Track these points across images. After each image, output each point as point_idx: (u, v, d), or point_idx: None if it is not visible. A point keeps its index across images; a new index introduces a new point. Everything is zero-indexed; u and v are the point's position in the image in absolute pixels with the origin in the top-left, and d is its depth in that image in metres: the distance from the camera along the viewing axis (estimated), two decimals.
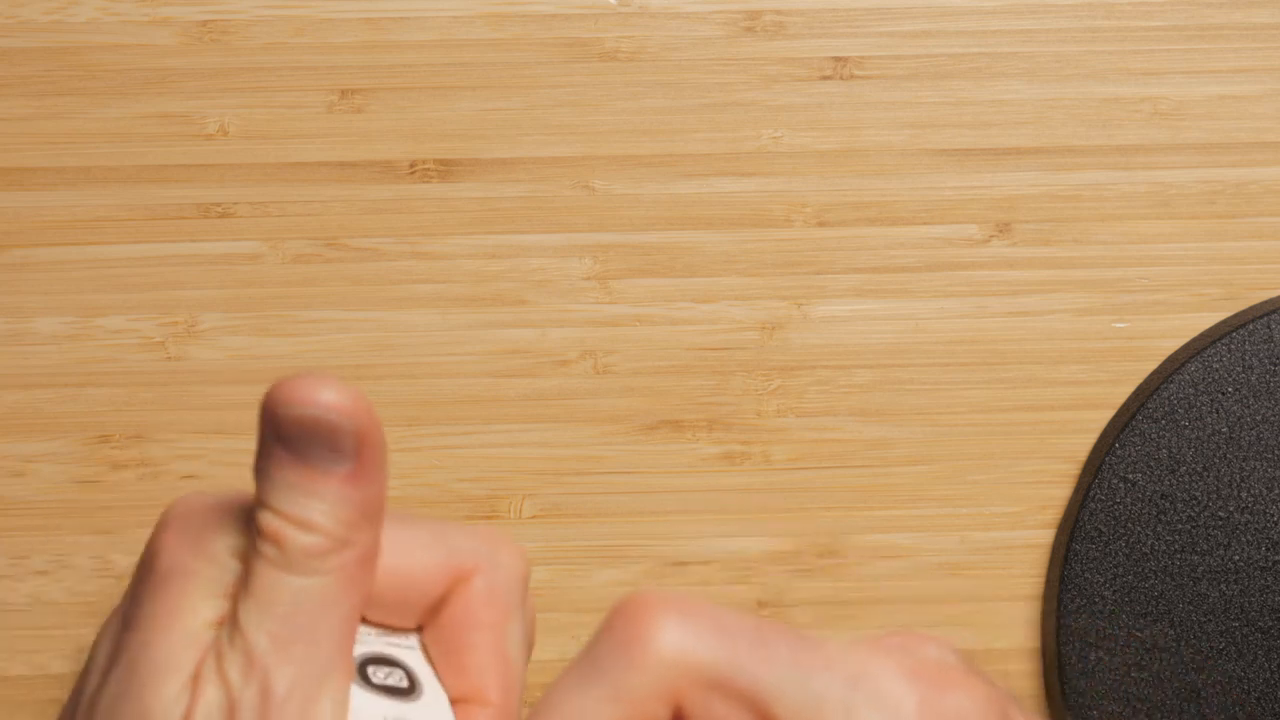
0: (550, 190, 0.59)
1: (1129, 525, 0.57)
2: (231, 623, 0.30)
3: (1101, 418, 0.59)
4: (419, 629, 0.35)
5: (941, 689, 0.30)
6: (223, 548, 0.31)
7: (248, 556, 0.31)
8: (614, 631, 0.30)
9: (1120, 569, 0.57)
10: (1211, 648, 0.57)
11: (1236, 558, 0.57)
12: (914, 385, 0.59)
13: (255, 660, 0.30)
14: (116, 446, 0.59)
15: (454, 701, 0.34)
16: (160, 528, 0.33)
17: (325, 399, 0.31)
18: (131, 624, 0.31)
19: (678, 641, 0.30)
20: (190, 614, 0.30)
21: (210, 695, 0.29)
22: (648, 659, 0.30)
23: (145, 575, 0.32)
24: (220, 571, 0.31)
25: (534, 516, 0.59)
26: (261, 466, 0.31)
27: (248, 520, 0.32)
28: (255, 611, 0.30)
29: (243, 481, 0.59)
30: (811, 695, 0.30)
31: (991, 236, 0.59)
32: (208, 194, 0.59)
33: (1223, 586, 0.57)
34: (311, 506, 0.31)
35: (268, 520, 0.31)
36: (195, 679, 0.30)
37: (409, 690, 0.32)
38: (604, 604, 0.59)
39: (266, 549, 0.31)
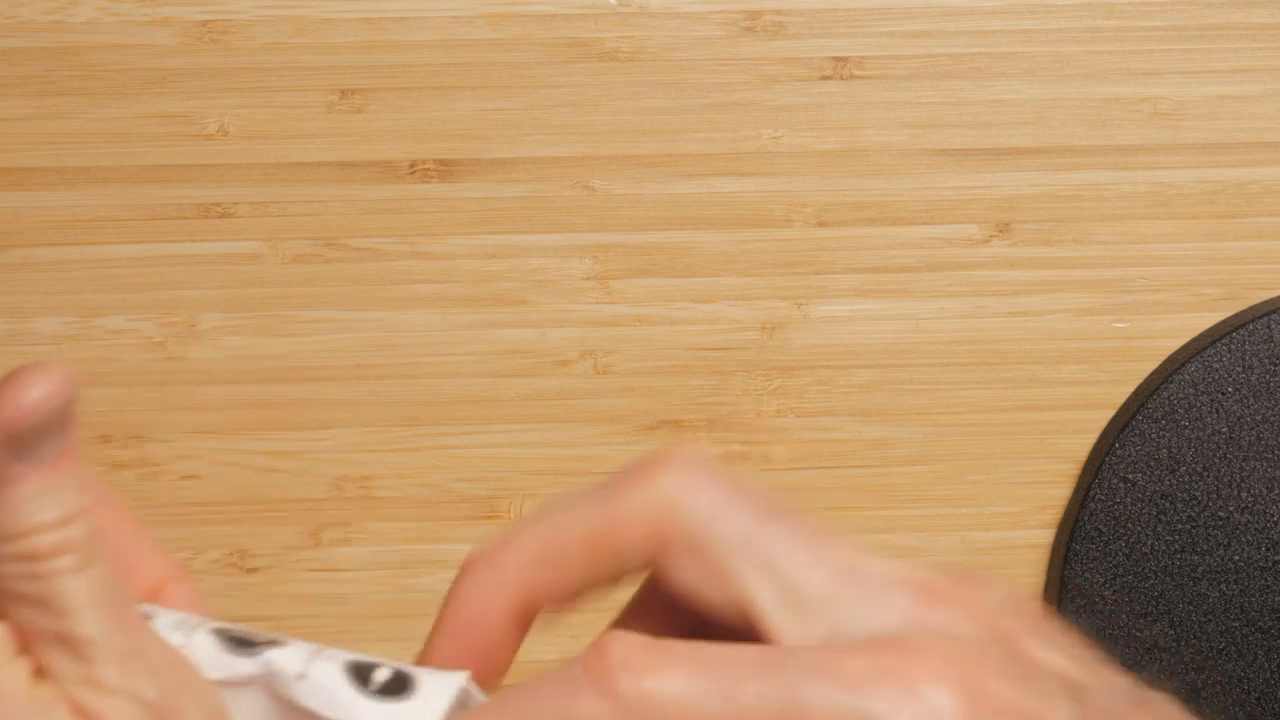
0: (550, 190, 0.59)
1: (1129, 525, 0.57)
2: (57, 665, 0.29)
3: (1101, 418, 0.59)
4: None
5: (935, 603, 0.29)
6: None
7: (4, 601, 0.29)
8: (633, 463, 0.31)
9: (1120, 569, 0.57)
10: (1211, 648, 0.57)
11: (1236, 558, 0.57)
12: (914, 385, 0.59)
13: (117, 686, 0.29)
14: (116, 446, 0.59)
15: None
16: None
17: (40, 393, 0.28)
18: None
19: (680, 489, 0.30)
20: (9, 696, 0.29)
21: None
22: (646, 490, 0.30)
23: None
24: None
25: None
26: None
27: None
28: (84, 635, 0.29)
29: (242, 480, 0.59)
30: (793, 590, 0.29)
31: (991, 236, 0.59)
32: (208, 194, 0.59)
33: (1223, 586, 0.57)
34: (66, 498, 0.29)
35: (41, 541, 0.28)
36: None
37: (403, 688, 0.32)
38: (604, 604, 0.59)
39: (60, 564, 0.29)
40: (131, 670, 0.29)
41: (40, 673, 0.29)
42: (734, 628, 0.30)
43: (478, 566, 0.34)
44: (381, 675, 0.31)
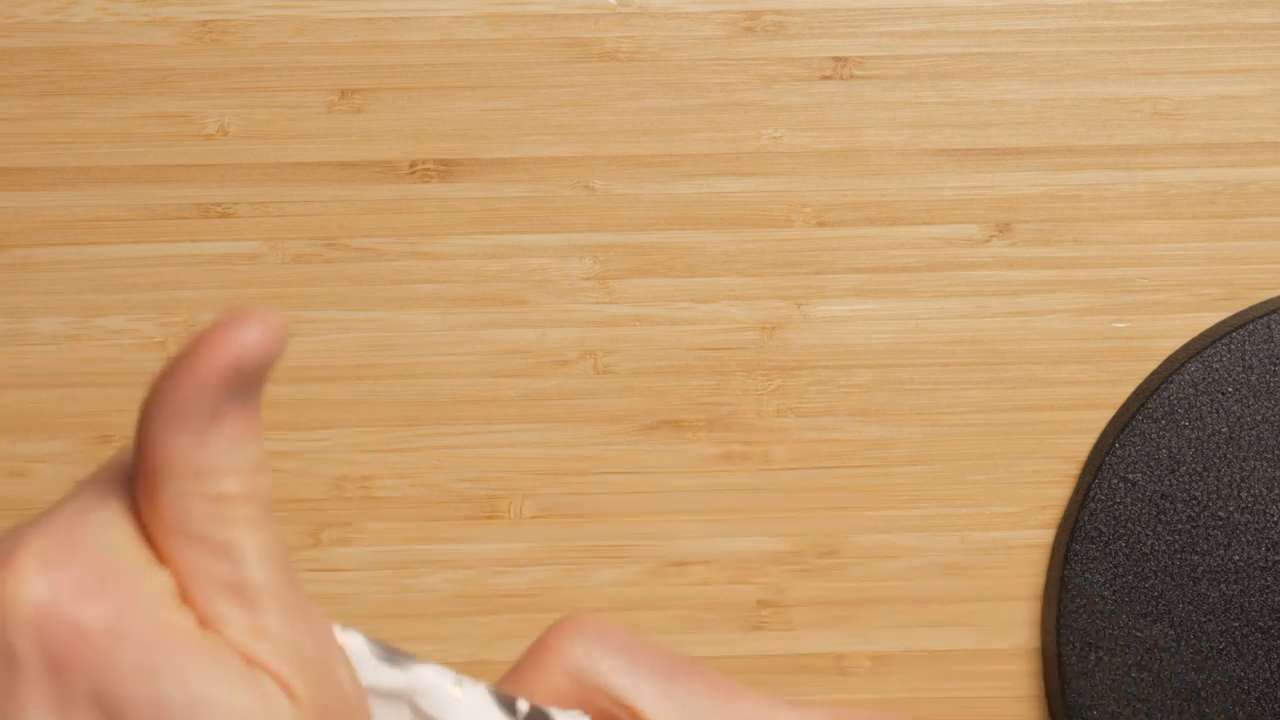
0: (550, 190, 0.59)
1: (1129, 525, 0.57)
2: (224, 613, 0.29)
3: (1101, 418, 0.59)
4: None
5: None
6: (143, 563, 0.29)
7: (178, 544, 0.29)
8: (537, 641, 0.32)
9: (1120, 569, 0.57)
10: (1211, 648, 0.57)
11: (1236, 558, 0.57)
12: (914, 385, 0.59)
13: (282, 637, 0.29)
14: (117, 446, 0.59)
15: None
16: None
17: (260, 334, 0.29)
18: (164, 701, 0.29)
19: (585, 656, 0.31)
20: (183, 640, 0.29)
21: (274, 694, 0.28)
22: (551, 663, 0.31)
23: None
24: (161, 587, 0.29)
25: (534, 516, 0.59)
26: (199, 431, 0.29)
27: (130, 517, 0.30)
28: (256, 582, 0.29)
29: None
30: None
31: (991, 236, 0.59)
32: (208, 194, 0.59)
33: (1223, 586, 0.57)
34: (258, 446, 0.29)
35: (231, 484, 0.29)
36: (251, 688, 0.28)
37: None
38: (604, 604, 0.59)
39: (245, 511, 0.29)
40: (294, 624, 0.29)
41: (203, 622, 0.29)
42: None
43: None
44: (523, 707, 0.32)
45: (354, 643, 0.30)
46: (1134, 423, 0.57)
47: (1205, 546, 0.57)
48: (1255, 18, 0.59)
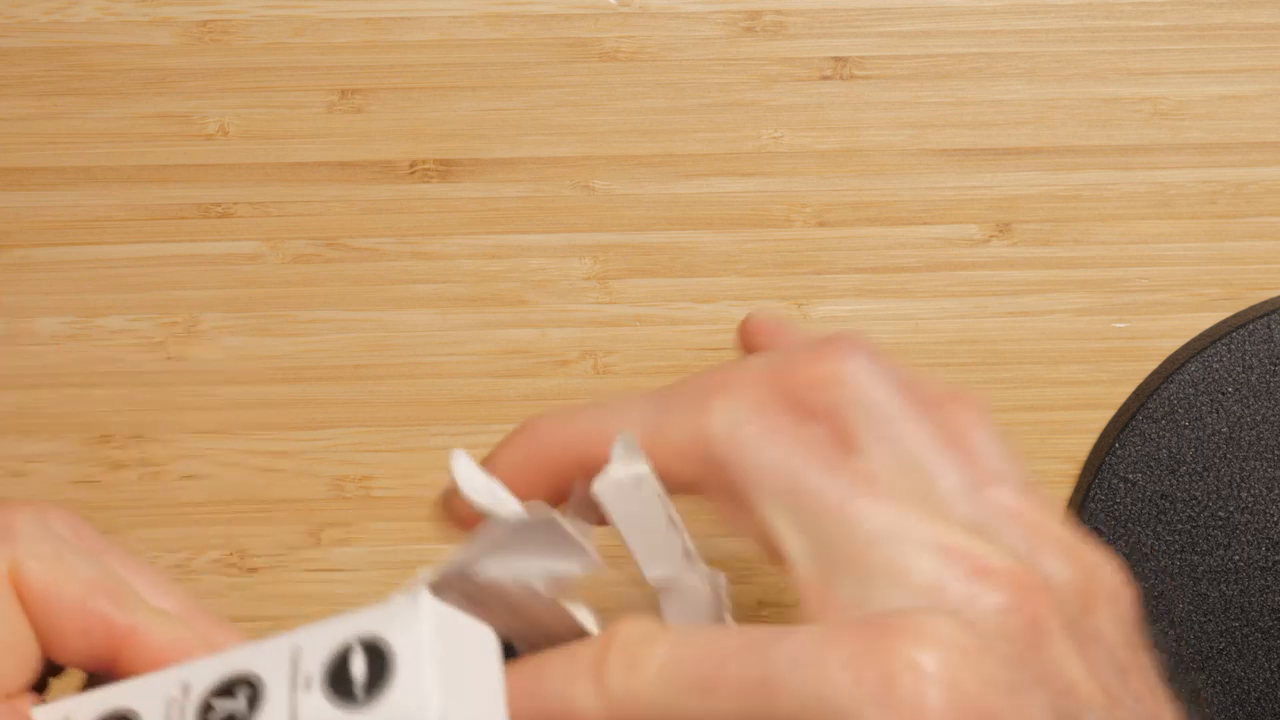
0: (550, 190, 0.59)
1: (1129, 525, 0.57)
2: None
3: (1101, 418, 0.59)
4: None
5: (969, 576, 0.28)
6: None
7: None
8: (700, 379, 0.31)
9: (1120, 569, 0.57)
10: (1211, 648, 0.57)
11: (1236, 558, 0.57)
12: None
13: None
14: (116, 446, 0.59)
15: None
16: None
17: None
18: None
19: (729, 425, 0.30)
20: None
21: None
22: (697, 418, 0.30)
23: None
24: None
25: None
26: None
27: None
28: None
29: (242, 479, 0.59)
30: (826, 549, 0.29)
31: (991, 236, 0.59)
32: (208, 194, 0.59)
33: (1223, 586, 0.57)
34: None
35: None
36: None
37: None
38: (603, 604, 0.59)
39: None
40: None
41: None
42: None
43: (536, 423, 0.34)
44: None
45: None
46: (1134, 423, 0.57)
47: (1205, 546, 0.57)
48: (1255, 18, 0.59)
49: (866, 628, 0.27)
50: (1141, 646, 0.30)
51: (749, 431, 0.30)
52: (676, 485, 0.31)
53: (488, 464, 0.35)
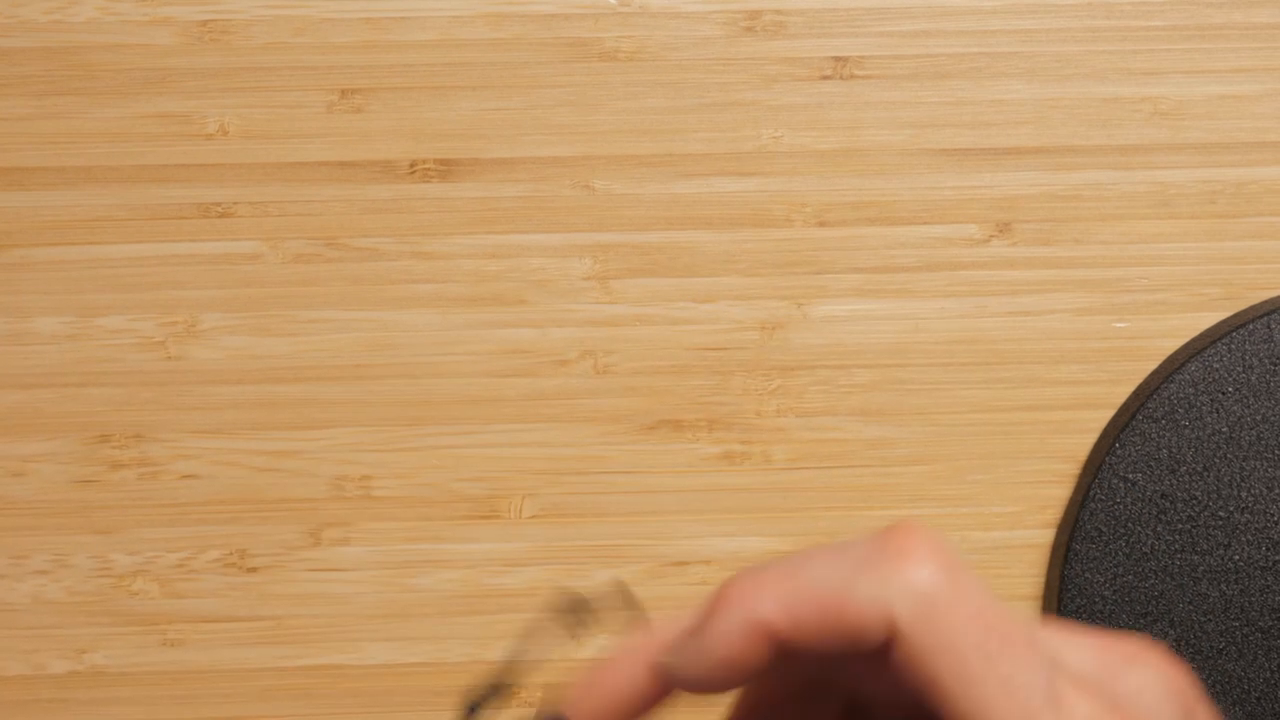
0: (550, 190, 0.59)
1: (1129, 525, 0.57)
2: None
3: (1101, 418, 0.59)
4: None
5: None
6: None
7: None
8: (881, 540, 0.30)
9: (1120, 569, 0.57)
10: (1211, 648, 0.57)
11: (1236, 558, 0.57)
12: (914, 385, 0.59)
13: None
14: (116, 446, 0.59)
15: None
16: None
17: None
18: None
19: (929, 582, 0.30)
20: None
21: None
22: (892, 578, 0.30)
23: None
24: None
25: (534, 516, 0.59)
26: None
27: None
28: None
29: (242, 479, 0.59)
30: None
31: (991, 236, 0.59)
32: (208, 194, 0.59)
33: (1223, 586, 0.57)
34: None
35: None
36: None
37: None
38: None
39: None
40: None
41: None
42: None
43: (739, 587, 0.33)
44: None
45: None
46: (1134, 423, 0.57)
47: (1205, 546, 0.57)
48: (1255, 18, 0.59)
49: None
50: None
51: (956, 601, 0.31)
52: (862, 644, 0.31)
53: (698, 636, 0.35)
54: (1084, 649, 0.30)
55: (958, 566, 0.29)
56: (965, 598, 0.29)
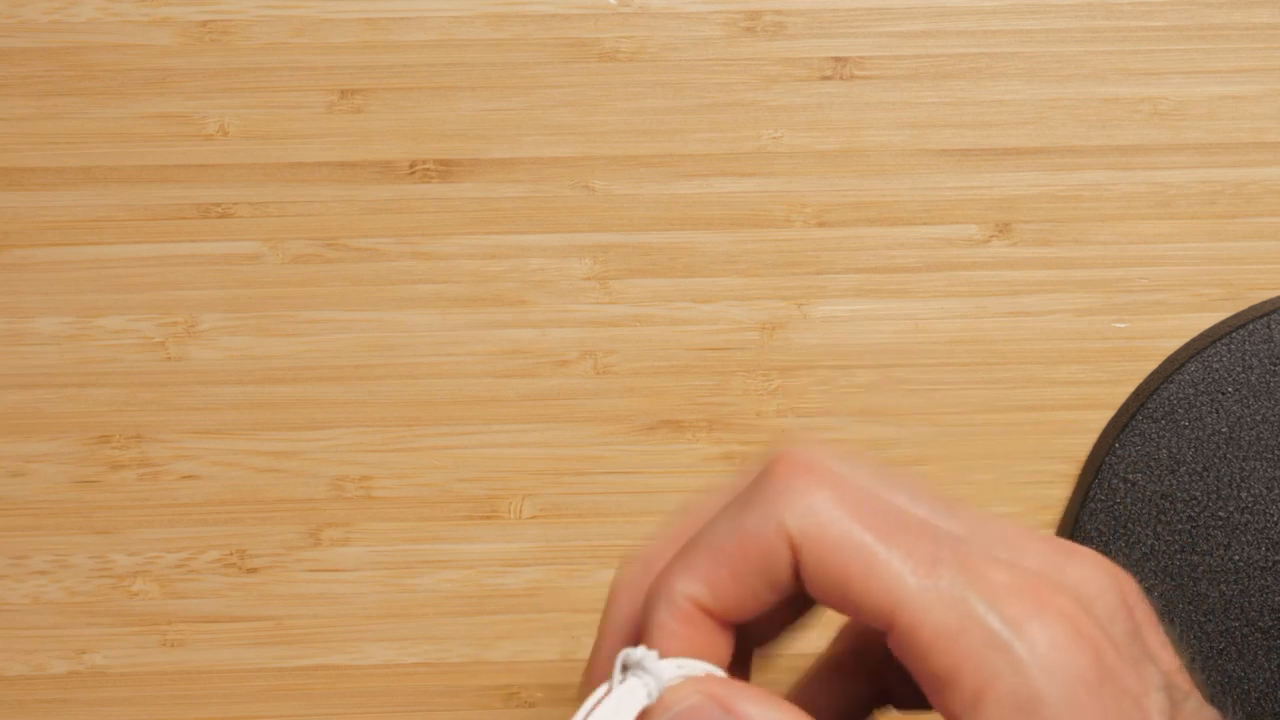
0: (550, 190, 0.59)
1: (1129, 525, 0.57)
2: None
3: (1101, 418, 0.59)
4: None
5: (1072, 557, 0.30)
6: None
7: None
8: (764, 479, 0.31)
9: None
10: (1211, 648, 0.57)
11: (1236, 558, 0.57)
12: (914, 385, 0.59)
13: None
14: (116, 446, 0.59)
15: None
16: None
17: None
18: None
19: (808, 510, 0.30)
20: None
21: None
22: (777, 515, 0.30)
23: None
24: None
25: (534, 516, 0.59)
26: None
27: None
28: None
29: (242, 480, 0.59)
30: (934, 605, 0.29)
31: (991, 236, 0.59)
32: (208, 194, 0.59)
33: (1223, 586, 0.57)
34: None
35: None
36: None
37: None
38: (603, 605, 0.59)
39: None
40: None
41: None
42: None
43: (630, 569, 0.35)
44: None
45: None
46: (1134, 423, 0.57)
47: (1205, 546, 0.57)
48: (1255, 18, 0.59)
49: (1017, 569, 0.29)
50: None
51: (828, 504, 0.32)
52: (780, 580, 0.32)
53: (604, 625, 0.35)
54: (1030, 548, 0.31)
55: (836, 474, 0.30)
56: (848, 498, 0.30)
